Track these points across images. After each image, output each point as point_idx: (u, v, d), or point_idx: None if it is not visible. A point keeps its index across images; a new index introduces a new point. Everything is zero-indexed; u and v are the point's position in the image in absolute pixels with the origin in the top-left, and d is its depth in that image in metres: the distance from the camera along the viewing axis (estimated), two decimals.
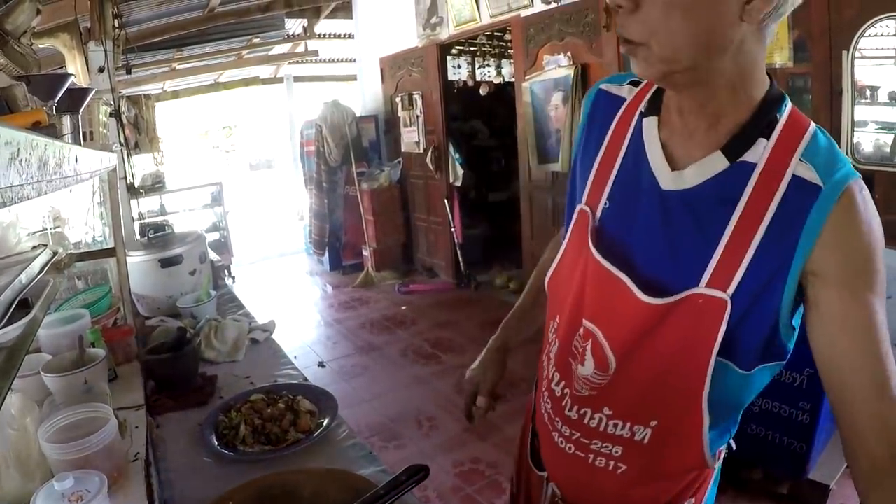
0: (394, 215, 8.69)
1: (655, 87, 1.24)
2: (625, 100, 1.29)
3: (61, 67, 4.65)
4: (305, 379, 2.40)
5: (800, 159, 1.05)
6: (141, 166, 10.08)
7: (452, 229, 7.65)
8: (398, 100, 8.35)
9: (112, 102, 3.88)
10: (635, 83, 1.30)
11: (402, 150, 8.57)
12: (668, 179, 1.15)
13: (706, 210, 1.10)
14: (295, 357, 5.89)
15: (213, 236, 9.40)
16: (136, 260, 3.02)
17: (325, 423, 1.94)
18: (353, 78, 10.48)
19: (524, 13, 5.80)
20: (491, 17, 6.32)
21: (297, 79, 14.14)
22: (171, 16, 7.36)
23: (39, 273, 1.57)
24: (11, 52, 3.29)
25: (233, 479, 1.69)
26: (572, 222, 1.30)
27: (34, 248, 2.74)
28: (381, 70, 8.77)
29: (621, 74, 1.35)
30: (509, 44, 7.91)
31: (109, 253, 2.74)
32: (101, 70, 3.89)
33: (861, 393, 1.02)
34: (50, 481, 1.34)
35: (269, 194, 19.13)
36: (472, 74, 8.44)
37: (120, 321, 2.74)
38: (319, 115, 8.56)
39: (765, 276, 1.05)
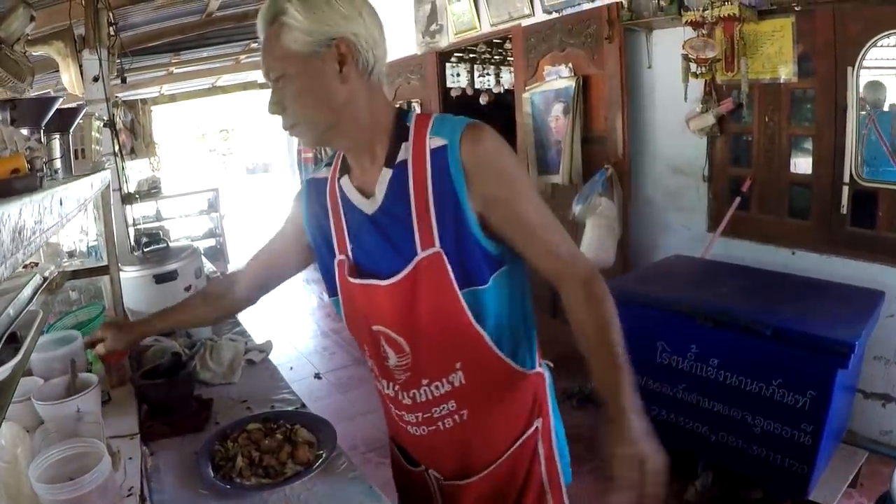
0: None
1: (341, 157, 1.65)
2: (327, 178, 1.69)
3: (55, 72, 4.60)
4: (303, 404, 2.35)
5: (430, 137, 1.47)
6: (137, 170, 10.04)
7: None
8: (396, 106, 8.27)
9: (107, 112, 3.83)
10: (328, 165, 1.71)
11: None
12: (367, 206, 1.55)
13: (396, 207, 1.49)
14: (291, 368, 5.87)
15: (209, 243, 9.37)
16: (130, 275, 2.97)
17: (323, 456, 1.89)
18: None
19: (525, 22, 5.75)
20: (491, 25, 6.28)
21: None
22: (169, 20, 7.31)
23: (28, 303, 1.53)
24: (4, 59, 3.24)
25: None
26: (336, 272, 1.66)
27: (24, 266, 2.71)
28: None
29: (317, 165, 1.82)
30: (509, 52, 7.87)
31: (103, 271, 2.70)
32: (95, 79, 3.84)
33: (541, 263, 1.52)
34: None
35: (266, 199, 19.07)
36: (472, 83, 8.39)
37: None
38: None
39: (452, 223, 1.44)
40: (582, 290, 1.49)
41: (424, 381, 1.60)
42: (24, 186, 0.89)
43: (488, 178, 1.44)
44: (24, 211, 0.75)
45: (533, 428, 1.69)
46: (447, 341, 1.55)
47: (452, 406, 1.62)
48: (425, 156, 1.47)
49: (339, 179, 1.64)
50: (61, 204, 1.04)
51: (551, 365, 1.74)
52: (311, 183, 1.77)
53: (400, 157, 1.50)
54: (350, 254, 1.62)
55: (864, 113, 3.70)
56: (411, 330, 1.55)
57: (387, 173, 1.51)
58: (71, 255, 3.84)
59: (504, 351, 1.59)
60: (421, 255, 1.46)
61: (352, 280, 1.59)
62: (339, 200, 1.63)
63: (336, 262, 1.66)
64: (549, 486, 1.73)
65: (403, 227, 1.48)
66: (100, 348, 2.10)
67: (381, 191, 1.52)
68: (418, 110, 1.58)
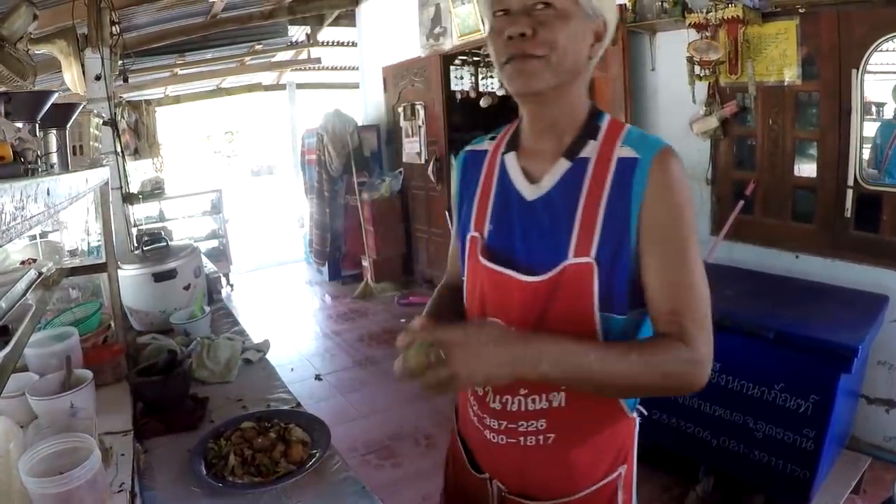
0: (394, 226, 8.62)
1: (511, 132, 1.59)
2: (487, 151, 1.63)
3: (58, 72, 4.60)
4: (298, 404, 2.33)
5: (622, 145, 1.39)
6: (141, 171, 10.04)
7: None
8: (400, 110, 8.30)
9: (108, 111, 3.82)
10: (492, 138, 1.66)
11: (404, 160, 8.50)
12: (529, 192, 1.47)
13: (561, 202, 1.41)
14: (292, 369, 5.86)
15: (211, 244, 9.35)
16: (129, 273, 2.97)
17: (317, 455, 1.87)
18: (355, 85, 10.44)
19: None
20: None
21: (299, 86, 14.09)
22: (173, 21, 7.33)
23: (22, 297, 1.51)
24: (7, 57, 3.24)
25: None
26: (467, 249, 1.57)
27: (22, 262, 2.70)
28: (384, 79, 8.72)
29: (479, 137, 1.71)
30: None
31: (101, 268, 2.68)
32: (97, 78, 3.83)
33: (659, 308, 1.35)
34: None
35: (270, 201, 19.10)
36: (476, 85, 8.37)
37: (111, 338, 2.68)
38: (321, 124, 8.51)
39: (615, 236, 1.35)
40: (676, 344, 1.30)
41: (522, 391, 1.46)
42: (7, 173, 0.87)
43: (665, 204, 1.34)
44: (1, 195, 0.73)
45: (616, 473, 1.55)
46: None
47: (542, 425, 1.48)
48: (611, 161, 1.39)
49: (503, 153, 1.57)
50: (48, 193, 1.02)
51: (644, 413, 1.62)
52: (467, 154, 1.70)
53: (583, 154, 1.42)
54: (485, 234, 1.54)
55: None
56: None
57: (563, 164, 1.43)
58: (73, 254, 3.83)
59: None
60: (571, 260, 1.37)
61: (483, 262, 1.50)
62: (496, 175, 1.56)
63: (469, 237, 1.57)
64: None
65: (562, 225, 1.40)
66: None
67: (550, 180, 1.45)
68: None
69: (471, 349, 1.21)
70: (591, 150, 1.41)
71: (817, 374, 2.93)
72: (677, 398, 3.45)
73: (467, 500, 1.73)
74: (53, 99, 1.74)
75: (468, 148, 1.71)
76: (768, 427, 3.14)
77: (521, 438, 1.50)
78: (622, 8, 4.63)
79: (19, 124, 1.60)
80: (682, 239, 1.35)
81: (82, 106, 2.27)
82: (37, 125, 1.72)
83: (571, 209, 1.39)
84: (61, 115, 1.98)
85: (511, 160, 1.53)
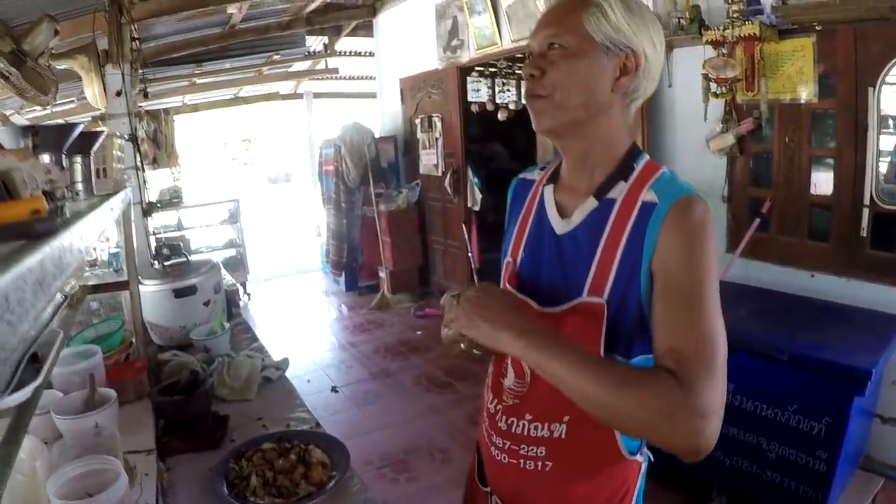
0: (411, 238, 8.64)
1: (556, 165, 1.62)
2: (535, 180, 1.69)
3: (78, 82, 4.66)
4: (318, 423, 2.36)
5: (648, 189, 1.40)
6: (159, 179, 10.11)
7: (469, 254, 7.56)
8: (417, 121, 8.34)
9: (129, 126, 3.87)
10: (542, 169, 1.71)
11: (421, 172, 8.53)
12: (560, 226, 1.51)
13: (585, 241, 1.45)
14: (308, 380, 5.89)
15: (229, 253, 9.40)
16: (149, 289, 3.01)
17: (336, 477, 1.90)
18: (373, 95, 10.48)
19: None
20: (512, 41, 6.31)
21: (316, 95, 14.16)
22: (192, 31, 7.40)
23: (49, 322, 1.55)
24: (29, 72, 3.30)
25: None
26: (503, 271, 1.66)
27: None
28: (401, 91, 8.76)
29: (532, 166, 1.78)
30: None
31: (123, 286, 2.72)
32: (118, 94, 3.89)
33: (659, 345, 1.28)
34: None
35: (287, 209, 19.15)
36: (493, 98, 8.40)
37: (132, 355, 2.72)
38: (339, 135, 8.55)
39: (625, 279, 1.37)
40: (665, 376, 1.21)
41: (528, 416, 1.52)
42: (44, 229, 0.90)
43: (674, 245, 1.32)
44: (45, 261, 0.76)
45: None
46: None
47: (542, 452, 1.51)
48: (635, 205, 1.40)
49: (545, 185, 1.62)
50: (82, 238, 1.06)
51: (652, 458, 1.60)
52: (518, 182, 1.76)
53: (611, 194, 1.45)
54: (517, 261, 1.61)
55: None
56: None
57: (591, 203, 1.47)
58: (92, 264, 3.87)
59: (620, 434, 1.47)
60: (585, 298, 1.41)
61: (509, 288, 1.59)
62: (535, 206, 1.62)
63: (504, 262, 1.66)
64: None
65: (582, 262, 1.44)
66: None
67: (578, 217, 1.48)
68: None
69: (477, 299, 1.40)
70: (619, 191, 1.44)
71: (831, 397, 2.94)
72: None
73: None
74: (79, 130, 1.78)
75: (521, 175, 1.78)
76: (781, 448, 3.14)
77: (522, 461, 1.54)
78: None
79: (46, 156, 1.64)
80: (694, 285, 1.29)
81: (105, 134, 2.31)
82: (63, 155, 1.76)
83: (592, 249, 1.42)
84: (86, 143, 2.01)
85: (549, 193, 1.58)
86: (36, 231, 0.87)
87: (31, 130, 1.58)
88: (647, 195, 1.39)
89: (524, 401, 1.53)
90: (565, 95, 1.40)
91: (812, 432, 3.01)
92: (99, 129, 2.29)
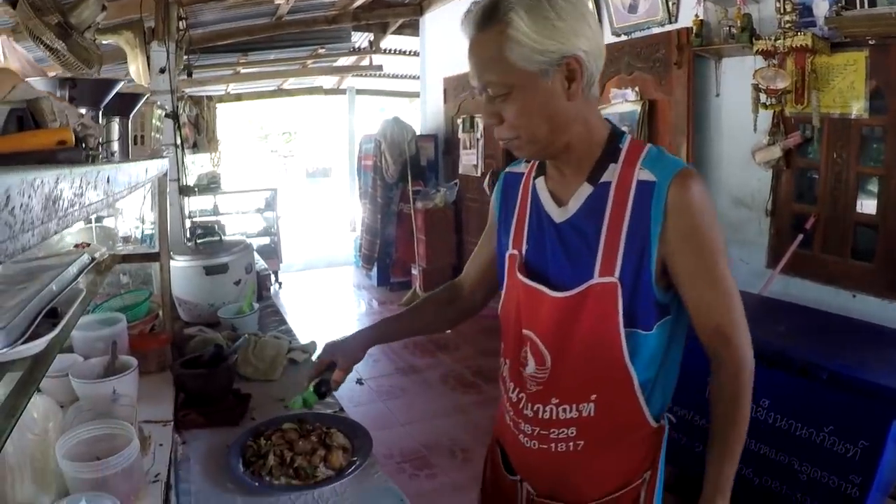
0: (446, 237, 8.61)
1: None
2: (523, 174, 1.73)
3: (123, 62, 4.66)
4: (341, 408, 2.31)
5: (641, 167, 1.46)
6: (198, 165, 10.17)
7: None
8: (459, 121, 8.31)
9: (171, 104, 3.86)
10: (528, 161, 1.73)
11: (460, 171, 8.52)
12: (557, 214, 1.57)
13: (586, 225, 1.50)
14: None
15: (263, 241, 9.43)
16: (180, 265, 2.98)
17: (357, 462, 1.85)
18: (415, 94, 10.47)
19: None
20: None
21: (359, 91, 14.19)
22: (239, 20, 7.41)
23: (73, 281, 1.52)
24: (74, 45, 3.29)
25: None
26: (506, 266, 1.69)
27: (76, 246, 2.72)
28: (444, 90, 8.74)
29: (517, 160, 1.78)
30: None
31: (154, 257, 2.70)
32: (161, 71, 3.87)
33: (701, 327, 1.52)
34: (62, 501, 1.28)
35: (324, 203, 19.23)
36: None
37: (158, 327, 2.70)
38: (379, 130, 8.55)
39: (636, 257, 1.44)
40: (729, 382, 1.51)
41: (554, 401, 1.58)
42: (67, 158, 0.86)
43: (685, 226, 1.42)
44: (60, 180, 0.72)
45: (641, 479, 1.62)
46: (593, 371, 1.53)
47: (572, 433, 1.58)
48: (631, 185, 1.46)
49: (534, 178, 1.66)
50: (108, 181, 1.01)
51: (673, 420, 1.67)
52: (507, 175, 1.79)
53: (604, 178, 1.50)
54: (523, 252, 1.64)
55: None
56: (561, 347, 1.54)
57: (586, 189, 1.52)
58: (126, 240, 3.87)
59: (644, 399, 1.55)
60: (597, 279, 1.46)
61: (521, 278, 1.61)
62: (529, 198, 1.66)
63: (508, 255, 1.68)
64: None
65: (588, 246, 1.49)
66: (337, 375, 1.90)
67: (575, 204, 1.53)
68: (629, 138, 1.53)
69: None
70: (611, 173, 1.49)
71: (869, 419, 2.84)
72: None
73: (499, 501, 1.83)
74: (118, 87, 1.75)
75: (508, 169, 1.82)
76: (813, 470, 3.05)
77: (553, 445, 1.60)
78: (689, 31, 4.59)
79: (83, 110, 1.61)
80: (709, 256, 1.45)
81: (146, 97, 2.28)
82: (100, 113, 1.73)
83: (596, 232, 1.48)
84: (125, 104, 1.99)
85: (540, 184, 1.64)
86: (58, 160, 0.83)
87: (70, 82, 1.55)
88: (642, 174, 1.46)
89: (548, 386, 1.58)
90: (530, 132, 1.45)
91: (847, 455, 2.92)
92: (139, 92, 2.27)
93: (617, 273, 1.44)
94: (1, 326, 0.99)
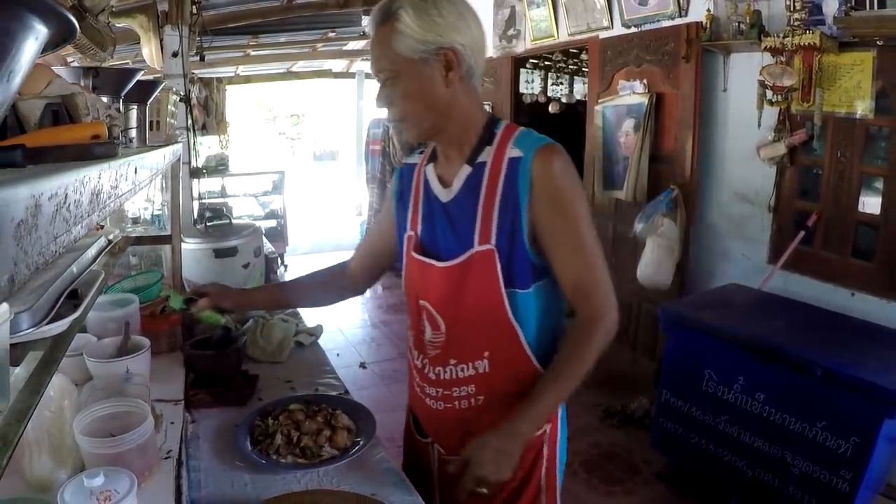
0: None
1: (433, 148, 1.84)
2: (416, 164, 1.90)
3: (135, 44, 4.70)
4: (346, 391, 2.37)
5: (511, 146, 1.66)
6: (207, 146, 10.20)
7: None
8: None
9: (183, 87, 3.91)
10: (421, 152, 1.92)
11: None
12: (444, 195, 1.76)
13: (467, 201, 1.69)
14: (337, 355, 5.91)
15: (270, 223, 9.46)
16: (190, 247, 3.04)
17: (361, 443, 1.92)
18: None
19: (603, 35, 5.71)
20: (569, 34, 6.25)
21: (368, 76, 14.14)
22: (251, 3, 7.42)
23: (92, 263, 1.57)
24: (88, 27, 3.33)
25: (261, 487, 1.72)
26: (404, 246, 1.86)
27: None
28: None
29: (414, 153, 1.97)
30: (584, 63, 7.80)
31: (165, 240, 2.75)
32: (174, 55, 3.92)
33: (567, 285, 1.68)
34: (80, 475, 1.33)
35: (330, 186, 19.22)
36: (545, 90, 8.32)
37: (168, 308, 2.75)
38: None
39: (509, 225, 1.63)
40: (580, 329, 1.66)
41: (452, 361, 1.77)
42: (104, 153, 0.91)
43: (547, 193, 1.62)
44: (102, 175, 0.78)
45: (541, 431, 1.79)
46: (482, 329, 1.72)
47: (472, 390, 1.77)
48: (503, 162, 1.66)
49: (425, 166, 1.85)
50: (136, 172, 1.07)
51: None
52: (404, 167, 1.97)
53: (481, 159, 1.69)
54: (418, 232, 1.82)
55: None
56: (452, 312, 1.73)
57: (466, 170, 1.71)
58: (135, 221, 3.91)
59: (532, 351, 1.73)
60: (476, 248, 1.65)
61: (414, 255, 1.80)
62: (422, 185, 1.83)
63: (406, 236, 1.86)
64: (545, 486, 1.85)
65: (468, 220, 1.68)
66: (202, 303, 2.13)
67: (457, 184, 1.73)
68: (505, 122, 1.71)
69: (489, 450, 1.49)
70: (486, 154, 1.69)
71: (861, 416, 2.89)
72: (718, 425, 3.46)
73: (416, 462, 2.03)
74: (139, 76, 1.80)
75: (404, 161, 2.00)
76: (805, 464, 3.10)
77: (456, 403, 1.80)
78: (698, 26, 4.61)
79: (105, 99, 1.66)
80: (572, 221, 1.64)
81: (163, 84, 2.33)
82: (121, 101, 1.78)
83: (474, 206, 1.67)
84: (144, 91, 2.04)
85: (430, 171, 1.83)
86: (94, 154, 0.88)
87: (93, 72, 1.60)
88: (512, 152, 1.66)
89: (445, 349, 1.78)
90: (413, 116, 1.65)
91: (838, 451, 2.97)
92: (156, 79, 2.31)
93: (493, 240, 1.64)
94: (26, 307, 1.05)
